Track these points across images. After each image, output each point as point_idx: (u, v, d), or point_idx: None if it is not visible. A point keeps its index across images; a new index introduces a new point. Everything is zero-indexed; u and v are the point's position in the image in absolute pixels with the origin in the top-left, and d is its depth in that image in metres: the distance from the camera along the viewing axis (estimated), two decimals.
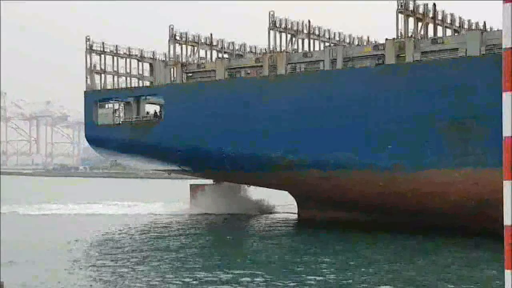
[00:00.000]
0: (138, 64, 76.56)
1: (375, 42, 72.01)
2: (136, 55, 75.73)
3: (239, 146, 62.41)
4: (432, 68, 53.64)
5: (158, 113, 72.11)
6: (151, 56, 76.90)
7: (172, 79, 68.47)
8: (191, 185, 79.93)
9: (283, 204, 77.65)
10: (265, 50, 76.19)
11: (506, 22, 10.34)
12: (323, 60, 60.35)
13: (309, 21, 66.52)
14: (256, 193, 78.90)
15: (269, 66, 62.14)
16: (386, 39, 57.34)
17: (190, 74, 67.81)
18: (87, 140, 73.32)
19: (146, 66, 77.57)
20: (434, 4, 59.67)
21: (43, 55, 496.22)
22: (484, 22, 66.69)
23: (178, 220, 68.99)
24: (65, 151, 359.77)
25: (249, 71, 64.20)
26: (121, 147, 69.67)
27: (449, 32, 62.71)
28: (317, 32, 67.70)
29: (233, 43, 73.45)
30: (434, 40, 56.41)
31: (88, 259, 42.91)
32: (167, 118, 66.87)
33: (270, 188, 70.37)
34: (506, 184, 10.12)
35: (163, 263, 40.61)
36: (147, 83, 76.90)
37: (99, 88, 72.96)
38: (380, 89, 55.71)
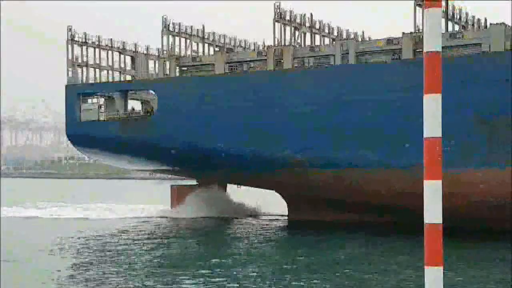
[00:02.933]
0: (119, 57, 71.55)
1: (369, 38, 70.11)
2: (118, 48, 70.72)
3: (242, 145, 58.68)
4: (459, 63, 51.58)
5: (148, 109, 67.20)
6: (133, 49, 72.03)
7: (165, 72, 63.81)
8: (172, 186, 75.24)
9: (270, 206, 74.11)
10: (253, 44, 73.20)
11: (427, 27, 10.34)
12: (333, 55, 57.55)
13: (311, 14, 63.52)
14: (242, 195, 75.06)
15: (274, 60, 58.79)
16: (403, 33, 55.15)
17: (185, 68, 63.54)
18: (69, 138, 67.44)
19: (128, 59, 72.63)
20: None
21: None
22: (485, 19, 65.71)
23: (161, 223, 64.33)
24: None
25: (251, 65, 60.61)
26: (109, 145, 64.21)
27: (456, 27, 61.31)
28: (317, 26, 64.79)
29: (224, 36, 69.58)
30: (453, 35, 54.53)
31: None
32: (161, 114, 62.11)
33: (267, 189, 66.89)
34: (426, 184, 10.38)
35: (146, 271, 36.30)
36: (128, 77, 71.95)
37: (81, 82, 67.42)
38: (399, 85, 53.33)
